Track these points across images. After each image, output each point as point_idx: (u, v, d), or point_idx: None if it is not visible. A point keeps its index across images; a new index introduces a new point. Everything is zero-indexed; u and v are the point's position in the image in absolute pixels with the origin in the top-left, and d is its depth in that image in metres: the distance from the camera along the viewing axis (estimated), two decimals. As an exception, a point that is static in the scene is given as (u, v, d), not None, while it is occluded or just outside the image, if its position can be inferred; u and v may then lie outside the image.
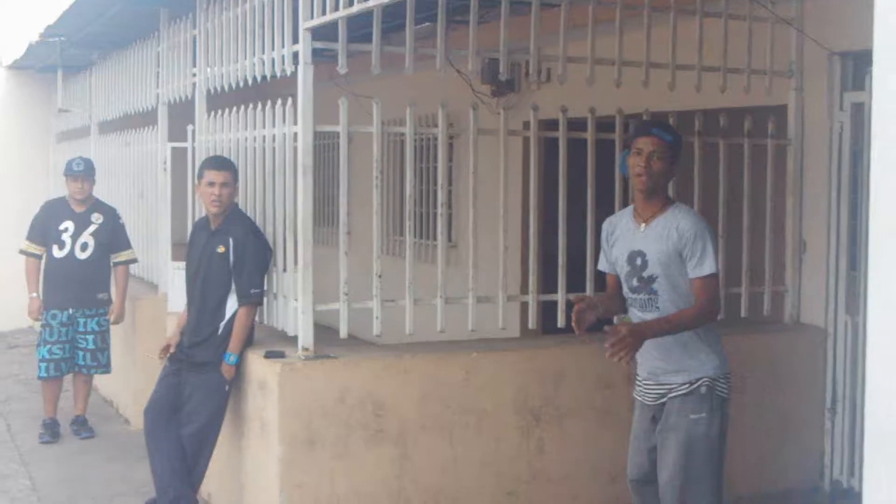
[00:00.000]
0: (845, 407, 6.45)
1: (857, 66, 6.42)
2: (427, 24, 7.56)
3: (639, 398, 4.86)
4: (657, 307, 4.67)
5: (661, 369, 4.70)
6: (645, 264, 4.67)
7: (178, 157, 8.41)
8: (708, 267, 4.57)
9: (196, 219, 6.99)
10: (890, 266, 1.80)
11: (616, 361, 4.44)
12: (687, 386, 4.61)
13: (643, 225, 4.71)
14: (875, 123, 1.89)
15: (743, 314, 6.60)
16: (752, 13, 6.52)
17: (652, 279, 4.66)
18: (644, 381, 4.81)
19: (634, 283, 4.75)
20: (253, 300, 6.01)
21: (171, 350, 6.32)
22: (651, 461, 4.79)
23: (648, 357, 4.73)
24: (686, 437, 4.60)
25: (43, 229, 8.48)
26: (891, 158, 1.82)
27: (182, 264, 7.25)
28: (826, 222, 6.51)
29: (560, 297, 6.15)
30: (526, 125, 6.27)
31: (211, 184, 6.12)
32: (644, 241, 4.69)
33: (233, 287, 6.07)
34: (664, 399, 4.69)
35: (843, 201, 6.41)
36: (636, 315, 4.78)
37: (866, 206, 6.15)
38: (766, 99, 6.63)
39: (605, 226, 5.02)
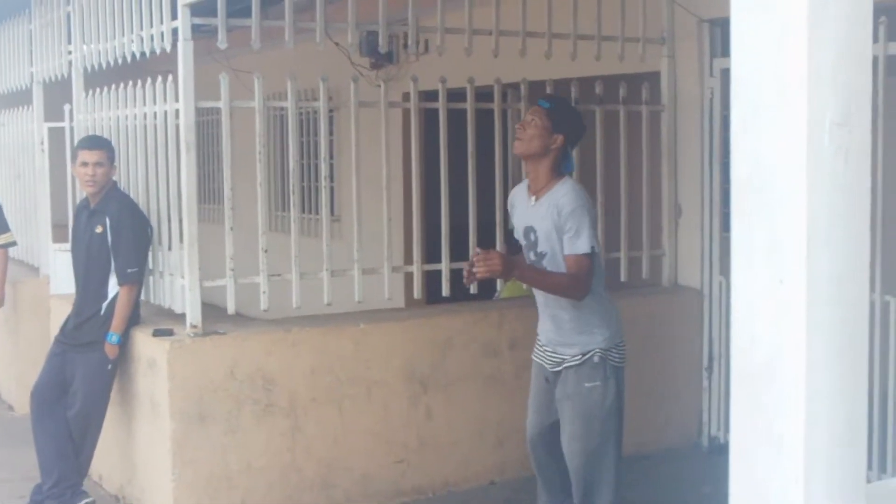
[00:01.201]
0: (721, 365, 6.67)
1: (726, 32, 6.56)
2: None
3: (536, 359, 4.96)
4: None
5: (555, 340, 4.79)
6: (536, 240, 4.74)
7: (56, 136, 8.28)
8: (580, 246, 4.58)
9: (77, 200, 6.92)
10: (749, 218, 1.94)
11: (465, 278, 4.62)
12: (579, 357, 4.70)
13: (533, 199, 4.79)
14: (734, 85, 2.02)
15: (623, 278, 6.78)
16: (624, -19, 6.68)
17: (542, 255, 4.73)
18: (542, 346, 4.90)
19: (531, 256, 4.82)
20: (130, 279, 5.97)
21: None
22: (548, 421, 4.89)
23: (544, 328, 4.85)
24: (582, 405, 4.71)
25: (-84, 215, 8.28)
26: (748, 118, 1.95)
27: (63, 245, 7.17)
28: (700, 186, 6.72)
29: (444, 266, 6.25)
30: (405, 97, 6.34)
31: (84, 164, 6.07)
32: (534, 217, 4.75)
33: (113, 267, 6.04)
34: (559, 368, 4.78)
35: (715, 165, 6.61)
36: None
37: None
38: (640, 66, 6.80)
39: (510, 194, 5.10)
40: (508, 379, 6.18)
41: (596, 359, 4.68)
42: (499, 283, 6.63)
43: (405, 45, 7.84)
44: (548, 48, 6.42)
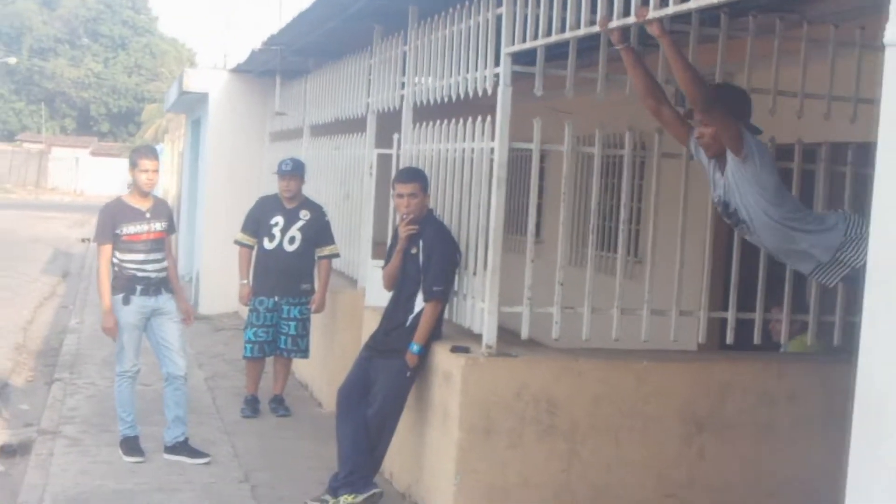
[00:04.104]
0: None
1: None
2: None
3: None
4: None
5: None
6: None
7: (383, 162, 8.98)
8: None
9: (396, 222, 7.56)
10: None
11: None
12: None
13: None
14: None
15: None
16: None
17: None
18: None
19: None
20: (436, 297, 6.53)
21: None
22: None
23: None
24: None
25: (256, 222, 9.19)
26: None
27: (380, 262, 7.84)
28: None
29: (730, 315, 6.45)
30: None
31: (400, 196, 6.71)
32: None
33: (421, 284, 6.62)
34: None
35: None
36: None
37: None
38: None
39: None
40: (784, 430, 6.31)
41: None
42: (783, 338, 6.75)
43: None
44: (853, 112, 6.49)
